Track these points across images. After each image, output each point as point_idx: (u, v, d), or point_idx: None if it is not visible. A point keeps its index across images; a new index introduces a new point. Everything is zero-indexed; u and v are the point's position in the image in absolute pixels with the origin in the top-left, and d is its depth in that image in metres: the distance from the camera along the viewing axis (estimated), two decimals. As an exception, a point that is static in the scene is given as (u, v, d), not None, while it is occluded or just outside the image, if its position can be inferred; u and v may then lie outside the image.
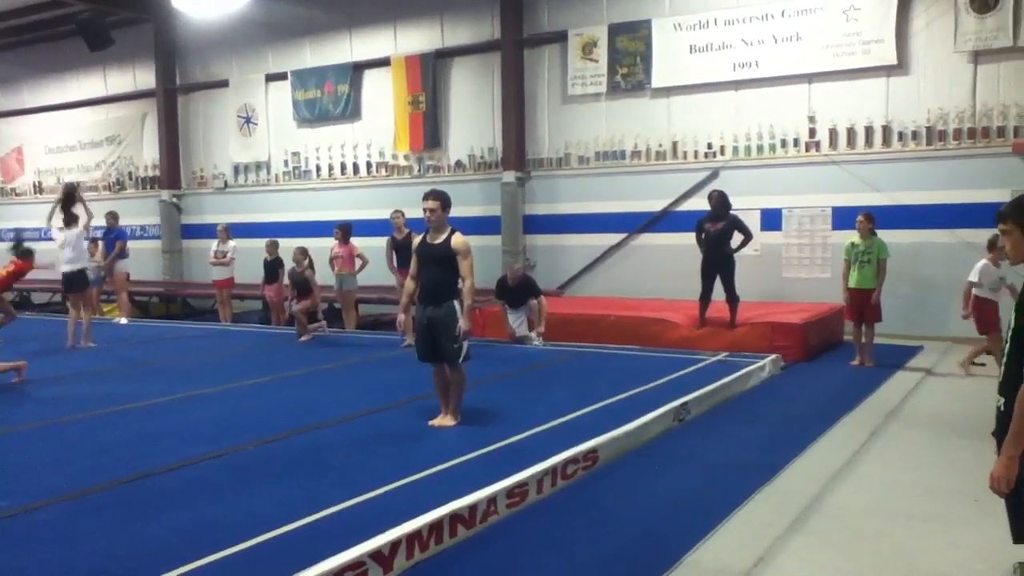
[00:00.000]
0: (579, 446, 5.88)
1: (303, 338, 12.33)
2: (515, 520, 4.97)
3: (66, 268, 11.57)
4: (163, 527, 4.76)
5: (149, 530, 4.72)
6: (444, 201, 6.95)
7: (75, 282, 11.66)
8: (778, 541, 4.64)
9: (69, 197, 11.68)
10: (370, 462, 5.99)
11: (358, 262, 13.12)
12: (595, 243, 14.73)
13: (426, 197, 6.99)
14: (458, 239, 6.89)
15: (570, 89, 14.77)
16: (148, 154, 20.17)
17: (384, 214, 12.92)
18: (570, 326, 11.76)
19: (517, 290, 11.58)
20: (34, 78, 21.87)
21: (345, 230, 13.25)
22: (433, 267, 6.92)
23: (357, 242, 13.37)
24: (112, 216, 15.44)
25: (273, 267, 14.01)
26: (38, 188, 22.30)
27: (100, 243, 15.51)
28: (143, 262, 18.68)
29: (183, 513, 4.98)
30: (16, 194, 22.72)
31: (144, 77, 19.80)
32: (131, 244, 15.96)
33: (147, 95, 19.73)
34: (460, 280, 6.89)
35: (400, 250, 11.79)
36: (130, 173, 20.58)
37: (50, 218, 11.78)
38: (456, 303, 6.88)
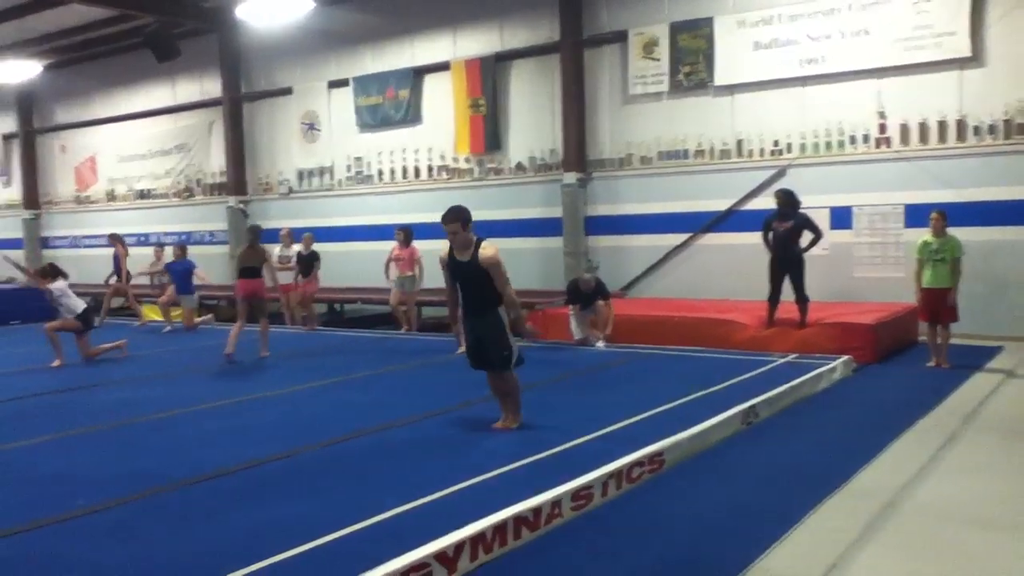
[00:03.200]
0: (644, 449, 5.78)
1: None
2: (579, 523, 4.90)
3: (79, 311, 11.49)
4: (227, 528, 4.80)
5: (213, 531, 4.76)
6: (464, 219, 6.70)
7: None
8: (851, 548, 4.49)
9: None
10: (430, 464, 5.97)
11: (416, 266, 13.23)
12: (659, 244, 14.55)
13: (444, 220, 6.71)
14: (484, 253, 6.66)
15: (631, 89, 14.63)
16: (215, 161, 20.58)
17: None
18: (634, 327, 11.61)
19: (588, 294, 11.51)
20: (105, 90, 22.50)
21: (407, 233, 13.34)
22: (468, 284, 6.85)
23: (418, 245, 13.44)
24: (180, 248, 15.42)
25: (308, 261, 14.26)
26: (111, 196, 22.97)
27: (164, 249, 15.78)
28: (211, 266, 18.96)
29: (247, 514, 5.01)
30: (90, 202, 23.44)
31: (210, 86, 20.21)
32: (201, 249, 16.17)
33: (214, 104, 20.14)
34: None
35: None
36: (198, 180, 21.03)
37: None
38: (500, 311, 6.77)
